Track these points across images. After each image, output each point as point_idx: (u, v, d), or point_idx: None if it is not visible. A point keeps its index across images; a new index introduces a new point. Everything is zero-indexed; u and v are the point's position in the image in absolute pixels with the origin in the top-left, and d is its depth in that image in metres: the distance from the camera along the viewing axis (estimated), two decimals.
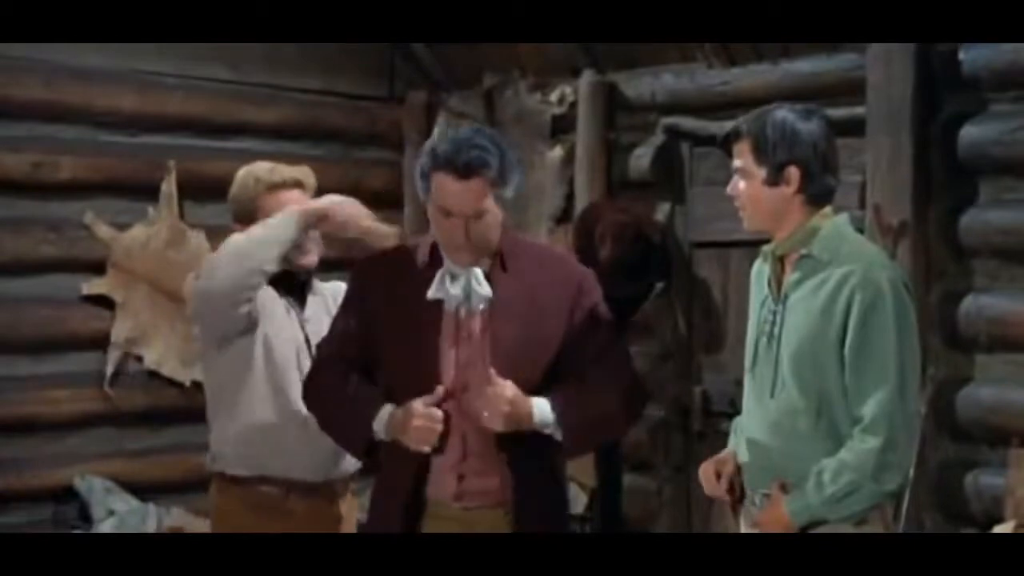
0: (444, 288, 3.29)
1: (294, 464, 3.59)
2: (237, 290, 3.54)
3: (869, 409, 3.02)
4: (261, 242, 3.55)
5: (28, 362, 5.49)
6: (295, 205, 3.64)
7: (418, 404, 3.25)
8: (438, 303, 3.30)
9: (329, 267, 5.76)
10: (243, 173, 3.78)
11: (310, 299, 3.77)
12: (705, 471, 3.35)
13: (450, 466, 3.29)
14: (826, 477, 3.04)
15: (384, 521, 3.37)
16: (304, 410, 3.51)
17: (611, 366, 3.36)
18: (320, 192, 6.34)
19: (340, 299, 3.65)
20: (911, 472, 3.14)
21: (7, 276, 5.44)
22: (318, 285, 3.82)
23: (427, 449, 3.25)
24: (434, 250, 3.35)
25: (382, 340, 3.36)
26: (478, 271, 3.28)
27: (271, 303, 3.68)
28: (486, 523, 3.28)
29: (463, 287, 3.27)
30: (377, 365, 3.39)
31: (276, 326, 3.66)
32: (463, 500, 3.30)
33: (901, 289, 3.08)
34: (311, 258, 3.75)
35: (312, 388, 3.48)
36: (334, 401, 3.43)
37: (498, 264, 3.31)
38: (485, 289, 3.27)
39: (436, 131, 5.93)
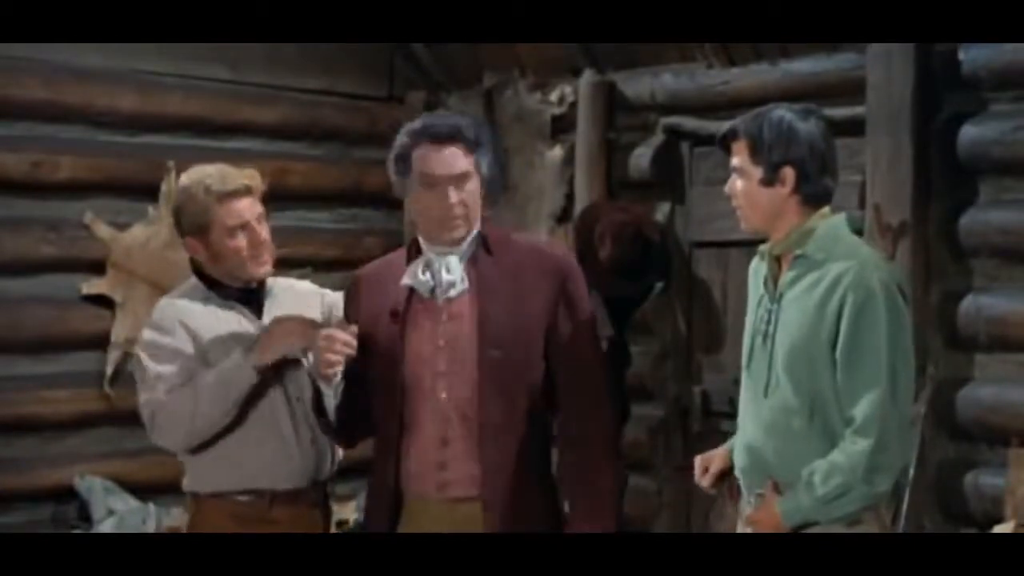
0: (415, 276, 3.30)
1: (278, 475, 3.50)
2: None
3: (860, 410, 3.01)
4: (219, 396, 3.40)
5: (28, 362, 5.48)
6: (258, 353, 3.40)
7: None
8: (408, 294, 3.30)
9: (329, 267, 5.80)
10: (190, 182, 3.52)
11: (267, 305, 3.56)
12: (697, 462, 3.42)
13: (430, 455, 3.25)
14: (817, 479, 3.04)
15: (373, 520, 3.37)
16: (280, 421, 3.48)
17: (585, 384, 3.30)
18: (318, 191, 6.28)
19: (299, 297, 3.59)
20: (910, 472, 3.14)
21: (7, 276, 5.43)
22: (272, 286, 3.60)
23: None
24: (412, 248, 3.36)
25: (364, 343, 3.31)
26: (451, 259, 3.28)
27: (224, 323, 3.52)
28: (473, 516, 3.22)
29: (433, 274, 3.28)
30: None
31: (234, 345, 3.47)
32: (446, 490, 3.24)
33: (894, 290, 3.06)
34: (266, 268, 3.54)
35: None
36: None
37: (482, 248, 3.32)
38: (453, 275, 3.27)
39: None
